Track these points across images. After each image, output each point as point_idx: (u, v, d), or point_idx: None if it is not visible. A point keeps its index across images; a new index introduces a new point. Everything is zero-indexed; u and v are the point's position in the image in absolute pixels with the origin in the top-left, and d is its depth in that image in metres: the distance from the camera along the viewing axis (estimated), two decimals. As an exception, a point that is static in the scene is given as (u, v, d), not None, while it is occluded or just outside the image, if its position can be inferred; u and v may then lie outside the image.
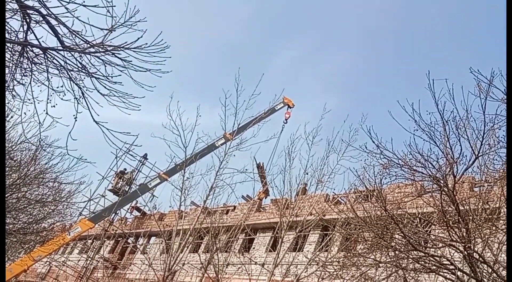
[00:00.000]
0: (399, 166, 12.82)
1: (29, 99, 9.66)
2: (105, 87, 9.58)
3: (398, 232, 12.64)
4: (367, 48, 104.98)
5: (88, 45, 9.01)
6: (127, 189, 39.07)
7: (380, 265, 15.08)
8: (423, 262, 12.62)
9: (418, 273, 13.70)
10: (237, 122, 25.56)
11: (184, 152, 24.96)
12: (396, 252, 12.94)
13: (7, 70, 9.07)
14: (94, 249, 41.03)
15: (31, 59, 9.05)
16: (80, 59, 9.43)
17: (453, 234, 12.21)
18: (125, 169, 40.44)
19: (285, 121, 39.83)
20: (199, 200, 28.58)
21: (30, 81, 9.53)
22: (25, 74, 9.45)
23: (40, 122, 9.57)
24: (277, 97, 33.42)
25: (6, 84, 8.92)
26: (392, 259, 13.26)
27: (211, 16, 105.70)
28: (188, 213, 32.92)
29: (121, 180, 39.92)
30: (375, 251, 14.72)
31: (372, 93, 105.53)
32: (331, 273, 19.12)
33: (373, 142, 12.85)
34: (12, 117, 12.50)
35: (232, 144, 25.99)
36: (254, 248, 30.48)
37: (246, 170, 29.54)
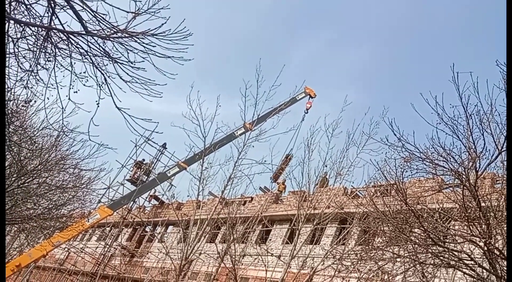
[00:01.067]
0: (420, 159, 12.68)
1: (52, 85, 9.72)
2: (127, 73, 9.59)
3: (418, 226, 12.51)
4: (389, 40, 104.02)
5: (112, 31, 9.02)
6: (145, 179, 39.28)
7: (398, 259, 14.98)
8: (442, 257, 12.48)
9: (437, 268, 13.56)
10: (256, 113, 25.57)
11: (203, 142, 25.06)
12: (416, 246, 12.80)
13: (31, 55, 9.12)
14: (112, 237, 41.45)
15: (55, 44, 9.08)
16: (103, 45, 9.46)
17: (474, 230, 12.05)
18: (143, 159, 40.68)
19: (306, 111, 39.62)
20: (217, 190, 28.73)
21: (54, 66, 9.55)
22: (49, 59, 9.48)
23: (62, 108, 9.61)
24: (297, 89, 33.32)
25: (31, 69, 8.97)
26: (411, 253, 13.14)
27: (234, 5, 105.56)
28: (205, 203, 33.03)
29: (140, 170, 40.15)
30: (393, 245, 14.62)
31: (394, 86, 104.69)
32: (348, 266, 19.06)
33: (395, 135, 12.73)
34: (35, 102, 12.60)
35: (251, 135, 26.02)
36: (270, 239, 30.50)
37: (264, 161, 29.55)
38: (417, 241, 12.77)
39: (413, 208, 12.44)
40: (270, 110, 30.11)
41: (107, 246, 39.72)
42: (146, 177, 39.72)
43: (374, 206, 14.11)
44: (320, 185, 25.00)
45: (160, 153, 40.80)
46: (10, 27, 8.78)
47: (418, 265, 13.99)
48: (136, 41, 9.36)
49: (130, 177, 39.61)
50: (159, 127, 9.99)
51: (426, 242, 12.45)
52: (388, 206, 13.75)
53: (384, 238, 14.72)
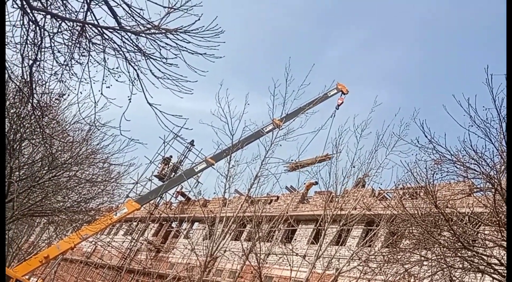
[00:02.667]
0: (451, 162, 12.52)
1: (86, 79, 9.86)
2: (159, 70, 9.68)
3: (447, 229, 12.33)
4: (423, 40, 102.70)
5: (146, 27, 9.11)
6: (172, 175, 39.59)
7: (425, 263, 14.80)
8: (471, 261, 12.29)
9: (466, 272, 13.35)
10: (285, 112, 25.53)
11: (231, 140, 25.12)
12: (444, 249, 12.62)
13: (66, 49, 9.27)
14: (139, 232, 41.92)
15: (89, 39, 9.21)
16: (137, 41, 9.56)
17: (505, 234, 11.82)
18: (171, 156, 41.03)
19: (337, 108, 39.09)
20: (243, 188, 28.77)
21: (88, 61, 9.69)
22: (83, 54, 9.62)
23: (95, 102, 9.74)
24: (326, 88, 33.00)
25: (65, 63, 9.12)
26: (439, 256, 12.96)
27: (265, 2, 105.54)
28: (231, 200, 33.14)
29: (167, 166, 40.50)
30: (421, 248, 14.45)
31: (426, 88, 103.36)
32: (374, 268, 18.91)
33: (426, 137, 12.59)
34: (68, 95, 12.79)
35: (278, 134, 25.97)
36: (296, 239, 30.44)
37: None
38: (446, 244, 12.59)
39: (443, 211, 12.26)
40: (301, 107, 29.90)
41: (134, 241, 40.18)
42: (173, 173, 40.07)
43: (403, 208, 13.95)
44: (356, 186, 24.85)
45: (187, 149, 41.15)
46: (47, 22, 8.94)
47: (446, 269, 13.80)
48: (168, 37, 9.44)
49: (158, 172, 40.01)
50: (188, 124, 10.12)
51: (455, 245, 12.26)
52: (417, 208, 13.58)
53: (413, 241, 14.54)
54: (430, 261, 13.54)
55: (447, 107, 12.42)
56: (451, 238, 12.51)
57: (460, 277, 14.61)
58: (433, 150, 12.74)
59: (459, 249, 12.28)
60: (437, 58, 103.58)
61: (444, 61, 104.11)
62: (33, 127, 16.66)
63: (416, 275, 16.38)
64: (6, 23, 8.77)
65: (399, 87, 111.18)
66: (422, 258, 13.54)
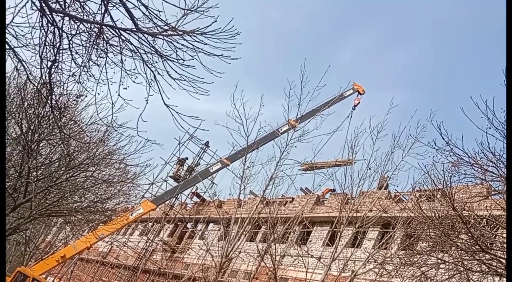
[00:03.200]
0: (469, 164, 12.38)
1: (103, 80, 9.94)
2: (176, 71, 9.72)
3: (465, 232, 12.20)
4: (439, 42, 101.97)
5: (162, 29, 9.16)
6: (187, 177, 39.74)
7: (442, 266, 14.66)
8: (489, 265, 12.14)
9: (484, 275, 13.19)
10: (300, 113, 25.46)
11: (246, 141, 25.15)
12: (462, 252, 12.49)
13: (84, 51, 9.34)
14: (154, 232, 42.11)
15: (107, 41, 9.28)
16: (153, 42, 9.61)
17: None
18: (187, 157, 41.18)
19: (353, 108, 38.69)
20: (258, 189, 28.76)
21: (105, 62, 9.77)
22: (100, 55, 9.69)
23: (112, 103, 9.81)
24: (342, 89, 32.82)
25: (83, 64, 9.20)
26: (456, 259, 12.83)
27: (279, 4, 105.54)
28: (246, 202, 33.16)
29: (182, 167, 40.66)
30: (437, 251, 14.33)
31: (442, 90, 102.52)
32: (390, 271, 18.79)
33: (443, 139, 12.47)
34: (86, 96, 12.87)
35: (294, 135, 25.92)
36: (311, 241, 30.36)
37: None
38: (463, 247, 12.46)
39: (460, 213, 12.14)
40: (317, 107, 29.76)
41: (149, 241, 40.38)
42: (188, 174, 40.22)
43: (420, 210, 13.84)
44: (379, 187, 24.72)
45: (202, 151, 41.28)
46: (65, 24, 9.02)
47: (463, 272, 13.66)
48: (185, 39, 9.48)
49: (173, 173, 40.18)
50: (203, 126, 10.17)
51: (473, 248, 12.13)
52: (434, 210, 13.45)
53: (430, 243, 14.42)
54: (447, 264, 13.40)
55: (464, 110, 12.29)
56: (468, 240, 12.37)
57: (477, 280, 14.45)
58: (450, 152, 12.63)
59: (477, 252, 12.14)
60: (453, 59, 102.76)
61: (460, 63, 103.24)
62: (51, 127, 16.83)
63: (432, 278, 16.24)
64: (25, 24, 8.87)
65: (415, 89, 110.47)
66: (439, 260, 13.41)
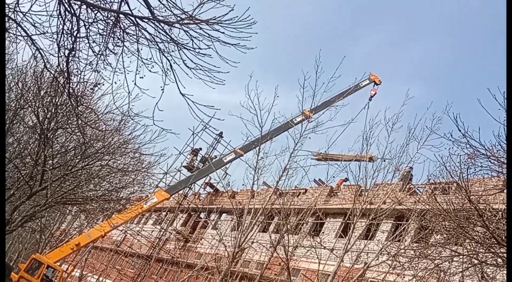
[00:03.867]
0: (485, 157, 12.25)
1: (120, 69, 9.96)
2: (192, 60, 9.71)
3: (480, 225, 12.11)
4: (456, 34, 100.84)
5: (179, 18, 9.15)
6: (201, 167, 39.82)
7: (455, 259, 14.59)
8: (504, 258, 12.04)
9: (499, 268, 13.11)
10: (314, 105, 25.37)
11: (259, 131, 25.16)
12: (478, 244, 12.41)
13: (101, 39, 9.37)
14: (168, 221, 42.38)
15: (124, 29, 9.30)
16: (170, 31, 9.61)
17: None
18: (201, 148, 41.26)
19: (370, 99, 37.75)
20: (271, 180, 28.78)
21: (122, 51, 9.79)
22: (117, 44, 9.71)
23: (129, 92, 9.83)
24: (357, 81, 32.59)
25: (100, 52, 9.22)
26: (471, 252, 12.75)
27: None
28: (259, 192, 33.20)
29: (196, 157, 40.75)
30: (452, 244, 14.25)
31: (459, 82, 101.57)
32: (403, 263, 18.74)
33: (459, 131, 12.32)
34: (103, 85, 12.91)
35: (308, 126, 25.86)
36: (323, 232, 30.34)
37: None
38: (479, 240, 12.38)
39: (476, 206, 12.03)
40: (333, 97, 29.53)
41: (163, 230, 40.64)
42: (202, 164, 40.31)
43: (435, 202, 13.75)
44: (403, 180, 24.58)
45: (216, 141, 41.33)
46: (82, 12, 9.05)
47: (478, 266, 13.58)
48: (201, 28, 9.46)
49: (187, 163, 40.29)
50: (218, 116, 10.18)
51: (488, 241, 12.04)
52: (450, 203, 13.36)
53: (445, 235, 14.33)
54: (462, 256, 13.33)
55: (482, 102, 12.14)
56: (484, 233, 12.28)
57: (492, 273, 14.38)
58: (466, 144, 12.50)
59: (492, 245, 12.04)
60: (471, 51, 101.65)
61: (478, 55, 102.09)
62: (67, 116, 16.95)
63: (446, 271, 16.19)
64: (43, 12, 8.91)
65: (431, 82, 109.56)
66: (455, 253, 13.33)
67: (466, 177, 12.42)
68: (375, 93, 38.44)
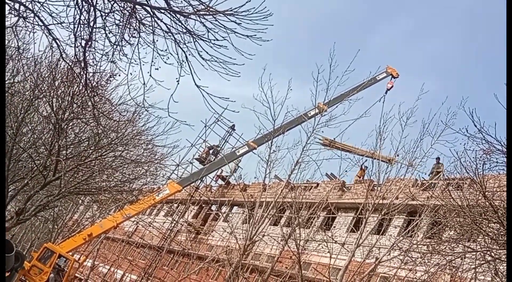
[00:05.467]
0: (501, 152, 12.12)
1: (135, 60, 9.97)
2: (207, 52, 9.69)
3: (495, 221, 12.00)
4: (473, 28, 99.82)
5: (195, 9, 9.12)
6: (213, 159, 39.85)
7: (467, 255, 14.49)
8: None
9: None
10: (327, 98, 25.23)
11: (272, 125, 25.10)
12: (493, 241, 12.30)
13: (117, 30, 9.37)
14: (179, 213, 42.54)
15: (140, 20, 9.30)
16: (186, 23, 9.59)
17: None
18: (218, 145, 41.21)
19: (386, 93, 37.32)
20: (283, 174, 28.74)
21: (138, 42, 9.79)
22: (133, 35, 9.71)
23: (144, 83, 9.84)
24: (371, 75, 32.25)
25: (116, 43, 9.23)
26: (485, 248, 12.65)
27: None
28: (271, 186, 33.19)
29: (210, 152, 40.76)
30: (465, 239, 14.16)
31: (475, 77, 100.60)
32: (415, 259, 18.66)
33: (475, 126, 12.18)
34: (119, 75, 12.91)
35: (320, 120, 25.75)
36: (335, 227, 30.30)
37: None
38: (493, 236, 12.27)
39: (491, 202, 11.92)
40: (348, 90, 29.26)
41: (174, 222, 40.81)
42: (214, 157, 40.38)
43: (450, 197, 13.64)
44: (432, 172, 24.44)
45: (228, 134, 41.36)
46: (98, 3, 9.06)
47: (491, 262, 13.48)
48: (217, 20, 9.43)
49: (198, 156, 40.36)
50: (232, 109, 10.18)
51: (503, 238, 11.94)
52: (465, 198, 13.24)
53: (459, 231, 14.22)
54: (475, 253, 13.23)
55: (498, 96, 12.00)
56: (498, 230, 12.18)
57: (505, 270, 14.25)
58: (482, 140, 12.37)
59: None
60: (487, 45, 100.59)
61: (494, 49, 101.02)
62: (82, 106, 17.03)
63: (458, 267, 16.09)
64: (60, 2, 8.93)
65: (447, 77, 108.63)
66: (468, 249, 13.24)
67: (482, 172, 12.31)
68: (392, 87, 37.77)
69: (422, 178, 25.46)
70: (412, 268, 19.89)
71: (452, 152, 16.41)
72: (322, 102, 26.82)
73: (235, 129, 41.18)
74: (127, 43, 9.71)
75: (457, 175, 16.09)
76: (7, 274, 18.36)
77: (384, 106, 30.25)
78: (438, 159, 25.43)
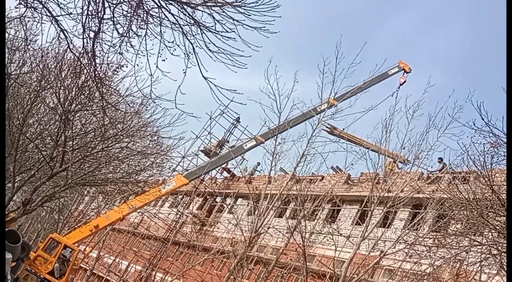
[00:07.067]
0: (508, 146, 12.05)
1: (142, 52, 9.95)
2: (214, 44, 9.67)
3: (503, 214, 11.97)
4: (480, 21, 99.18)
5: (203, 0, 9.10)
6: (218, 152, 39.82)
7: (473, 249, 14.49)
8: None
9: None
10: (334, 91, 25.18)
11: (278, 117, 25.05)
12: (500, 234, 12.28)
13: (125, 21, 9.35)
14: (184, 205, 42.63)
15: (147, 11, 9.27)
16: (193, 14, 9.56)
17: None
18: (228, 140, 41.16)
19: (398, 88, 36.67)
20: (289, 166, 28.73)
21: (145, 33, 9.77)
22: (141, 26, 9.70)
23: (151, 75, 9.83)
24: (377, 68, 32.00)
25: (124, 34, 9.21)
26: (491, 242, 12.64)
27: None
28: (276, 178, 33.19)
29: (218, 145, 40.72)
30: (471, 233, 14.15)
31: (482, 71, 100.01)
32: (421, 252, 18.67)
33: (482, 119, 12.12)
34: (127, 67, 12.86)
35: (326, 113, 25.69)
36: (340, 219, 30.31)
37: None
38: (500, 229, 12.25)
39: (499, 195, 11.89)
40: (359, 85, 29.08)
41: (179, 213, 40.90)
42: (219, 150, 40.36)
43: (457, 190, 13.62)
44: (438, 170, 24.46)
45: (233, 126, 41.34)
46: (106, -6, 9.03)
47: (497, 256, 13.46)
48: (224, 11, 9.40)
49: (204, 147, 40.32)
50: (237, 100, 10.17)
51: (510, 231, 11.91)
52: (471, 192, 13.21)
53: (466, 224, 14.21)
54: (481, 246, 13.22)
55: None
56: (504, 224, 12.15)
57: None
58: (489, 133, 12.32)
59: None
60: (495, 39, 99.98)
61: (502, 43, 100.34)
62: (89, 97, 17.05)
63: (463, 261, 16.09)
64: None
65: (454, 71, 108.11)
66: (475, 242, 13.23)
67: (490, 166, 12.27)
68: (405, 82, 37.33)
69: (427, 170, 25.38)
70: (417, 261, 19.89)
71: (459, 144, 16.32)
72: (332, 97, 26.69)
73: (240, 122, 41.17)
74: (134, 35, 9.70)
75: (464, 168, 16.04)
76: (13, 264, 18.47)
77: (391, 99, 30.13)
78: (440, 159, 25.37)
